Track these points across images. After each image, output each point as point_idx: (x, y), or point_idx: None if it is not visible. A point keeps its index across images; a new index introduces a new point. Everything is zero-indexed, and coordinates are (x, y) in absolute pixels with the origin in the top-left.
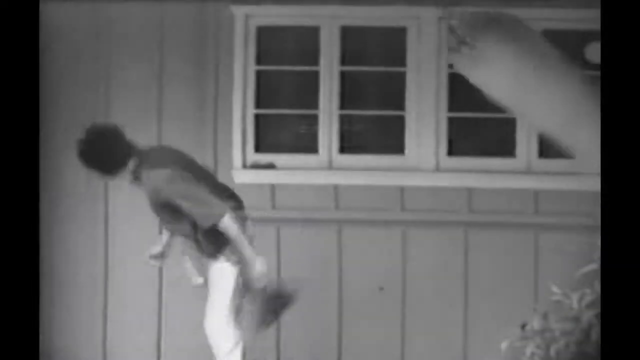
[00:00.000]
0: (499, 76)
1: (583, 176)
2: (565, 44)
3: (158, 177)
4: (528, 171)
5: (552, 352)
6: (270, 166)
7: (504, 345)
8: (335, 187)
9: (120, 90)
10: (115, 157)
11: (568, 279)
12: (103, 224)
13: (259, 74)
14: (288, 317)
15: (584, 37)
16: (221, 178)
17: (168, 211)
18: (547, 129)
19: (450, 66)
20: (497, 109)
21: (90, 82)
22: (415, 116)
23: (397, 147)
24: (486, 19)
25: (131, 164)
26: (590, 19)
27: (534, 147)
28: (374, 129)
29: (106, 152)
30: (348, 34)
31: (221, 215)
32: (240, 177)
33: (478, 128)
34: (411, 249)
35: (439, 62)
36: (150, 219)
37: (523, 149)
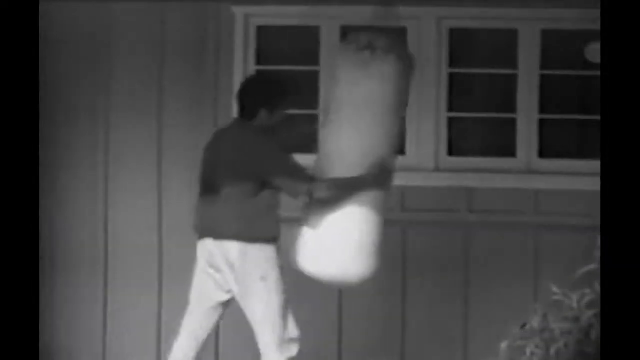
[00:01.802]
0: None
1: (583, 176)
2: (566, 44)
3: None
4: (528, 171)
5: (552, 351)
6: None
7: (504, 345)
8: None
9: (120, 90)
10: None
11: (568, 279)
12: (103, 224)
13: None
14: None
15: (584, 37)
16: None
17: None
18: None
19: (451, 65)
20: (497, 109)
21: (90, 82)
22: (415, 116)
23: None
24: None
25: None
26: (590, 19)
27: (534, 147)
28: None
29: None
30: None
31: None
32: None
33: (478, 128)
34: (411, 249)
35: (439, 62)
36: (150, 218)
37: (523, 149)
